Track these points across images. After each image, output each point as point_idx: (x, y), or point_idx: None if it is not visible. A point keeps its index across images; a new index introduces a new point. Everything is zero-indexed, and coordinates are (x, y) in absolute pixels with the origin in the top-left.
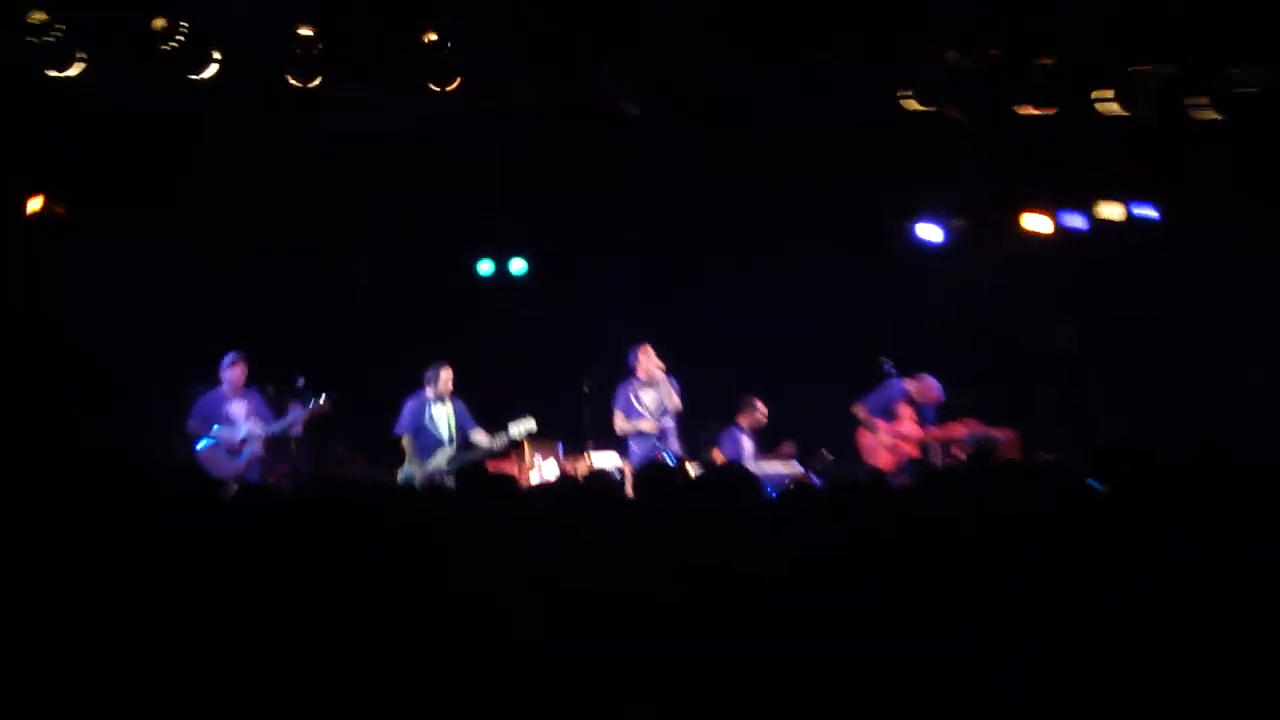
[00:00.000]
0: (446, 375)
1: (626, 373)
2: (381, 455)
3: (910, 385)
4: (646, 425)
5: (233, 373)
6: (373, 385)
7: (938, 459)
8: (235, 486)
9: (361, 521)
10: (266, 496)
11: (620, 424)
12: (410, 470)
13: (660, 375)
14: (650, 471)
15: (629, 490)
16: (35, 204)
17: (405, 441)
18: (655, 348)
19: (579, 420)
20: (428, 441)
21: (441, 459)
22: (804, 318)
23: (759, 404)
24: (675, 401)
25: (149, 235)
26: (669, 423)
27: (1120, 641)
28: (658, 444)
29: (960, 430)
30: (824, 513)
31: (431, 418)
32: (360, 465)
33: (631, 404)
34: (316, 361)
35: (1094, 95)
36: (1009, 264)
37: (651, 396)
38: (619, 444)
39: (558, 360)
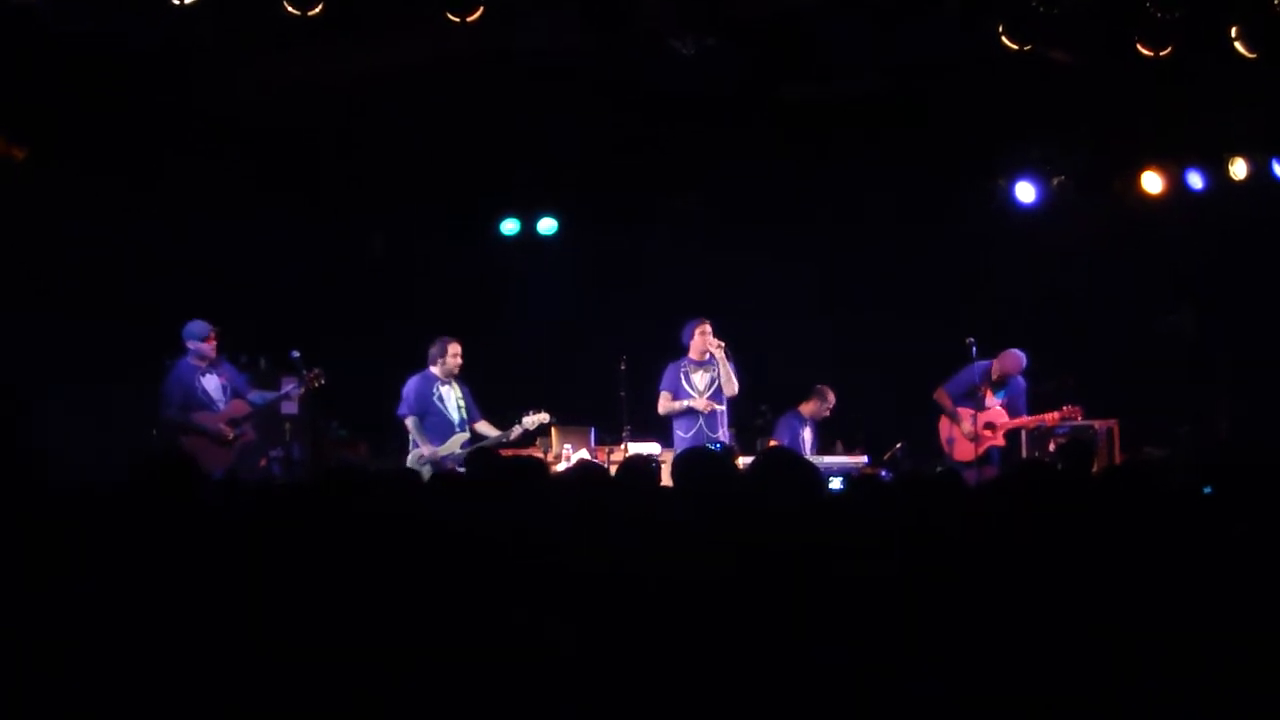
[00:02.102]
0: (455, 351)
1: (679, 351)
2: (390, 439)
3: (994, 364)
4: (697, 404)
5: (207, 345)
6: (379, 360)
7: (1025, 451)
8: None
9: (368, 515)
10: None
11: (665, 404)
12: (420, 455)
13: (720, 355)
14: (690, 456)
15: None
16: None
17: (411, 424)
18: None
19: (613, 404)
20: (438, 423)
21: (455, 444)
22: (880, 293)
23: (830, 394)
24: (734, 386)
25: (117, 187)
26: (721, 407)
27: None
28: (706, 429)
29: (1053, 418)
30: (880, 512)
31: (440, 397)
32: (364, 450)
33: (680, 384)
34: (316, 333)
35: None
36: (1117, 230)
37: (703, 378)
38: (660, 433)
39: (589, 334)
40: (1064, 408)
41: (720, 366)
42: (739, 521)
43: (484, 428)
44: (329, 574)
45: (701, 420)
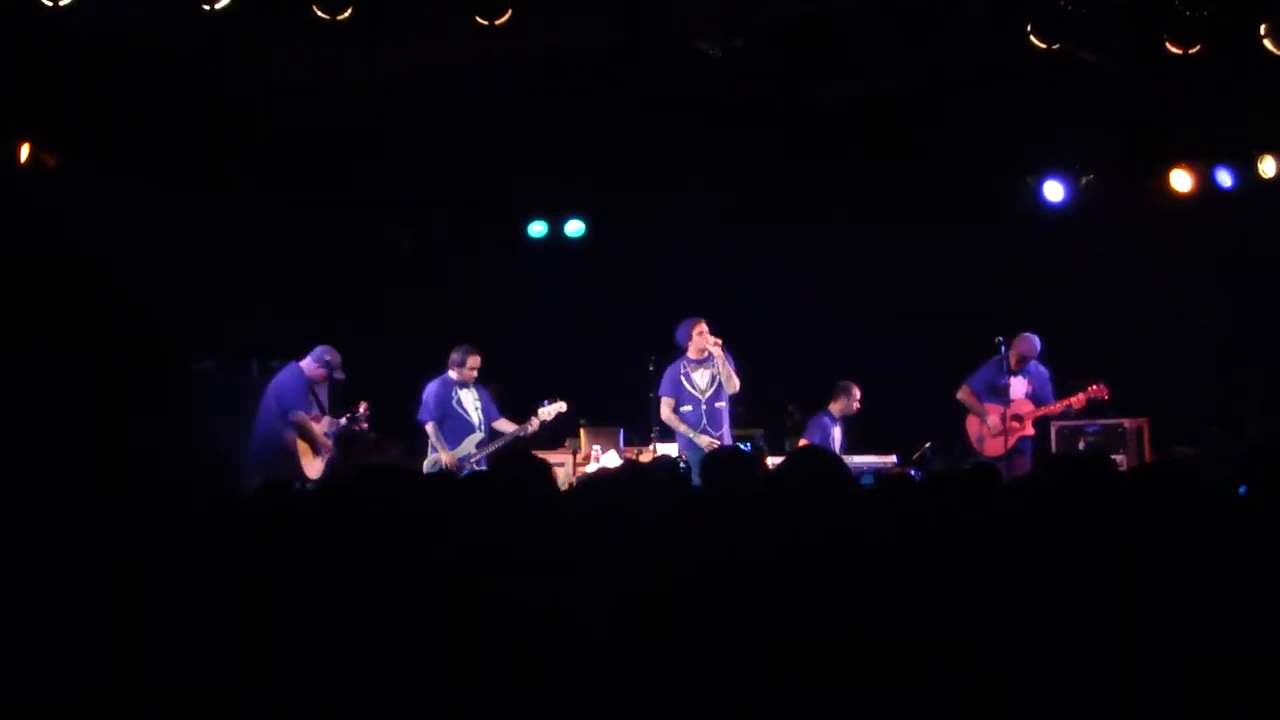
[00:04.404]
0: (474, 362)
1: (676, 352)
2: (420, 442)
3: (1010, 352)
4: (700, 441)
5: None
6: (408, 362)
7: (1055, 448)
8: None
9: (408, 514)
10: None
11: (666, 413)
12: (437, 459)
13: (718, 352)
14: (718, 456)
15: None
16: (24, 152)
17: (431, 429)
18: (736, 323)
19: (643, 404)
20: (457, 426)
21: (470, 444)
22: (907, 293)
23: (856, 389)
24: (735, 383)
25: (144, 191)
26: (721, 405)
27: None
28: (709, 429)
29: (1080, 400)
30: (904, 509)
31: (459, 401)
32: (394, 453)
33: (682, 385)
34: (344, 335)
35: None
36: (1146, 228)
37: (704, 376)
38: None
39: (618, 336)
40: (1090, 388)
41: (719, 364)
42: (767, 518)
43: (502, 425)
44: (365, 571)
45: (705, 420)
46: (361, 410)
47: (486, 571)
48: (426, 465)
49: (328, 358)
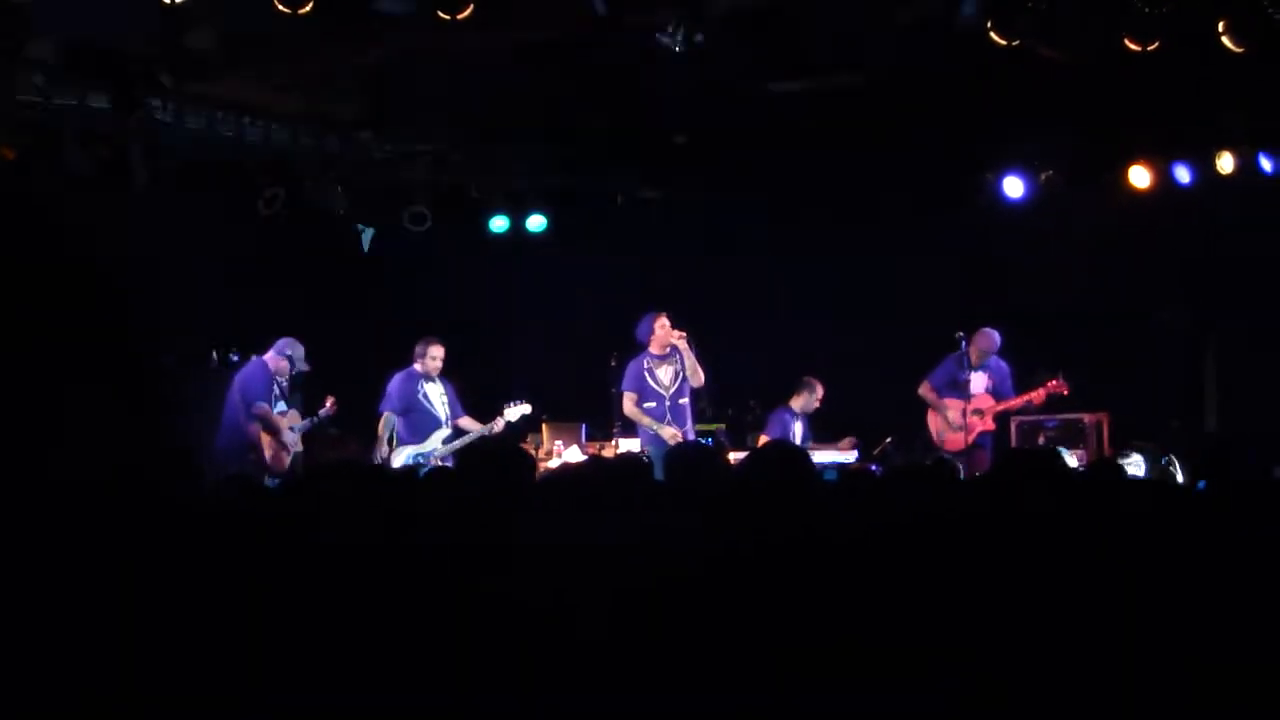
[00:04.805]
0: (437, 353)
1: (638, 348)
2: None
3: (970, 347)
4: (664, 433)
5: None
6: (368, 357)
7: (1015, 444)
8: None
9: (378, 511)
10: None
11: (630, 408)
12: (404, 452)
13: (683, 345)
14: (684, 450)
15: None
16: None
17: (384, 420)
18: (698, 319)
19: (605, 400)
20: (422, 420)
21: (436, 440)
22: (870, 288)
23: (819, 386)
24: (700, 376)
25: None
26: (684, 402)
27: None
28: (673, 424)
29: (1039, 395)
30: (865, 503)
31: (425, 394)
32: (355, 447)
33: (645, 381)
34: (304, 329)
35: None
36: (1106, 224)
37: (668, 372)
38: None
39: (579, 331)
40: (1049, 383)
41: (684, 356)
42: (735, 515)
43: (467, 423)
44: (333, 567)
45: (669, 416)
46: (328, 405)
47: (474, 569)
48: (397, 458)
49: (289, 351)
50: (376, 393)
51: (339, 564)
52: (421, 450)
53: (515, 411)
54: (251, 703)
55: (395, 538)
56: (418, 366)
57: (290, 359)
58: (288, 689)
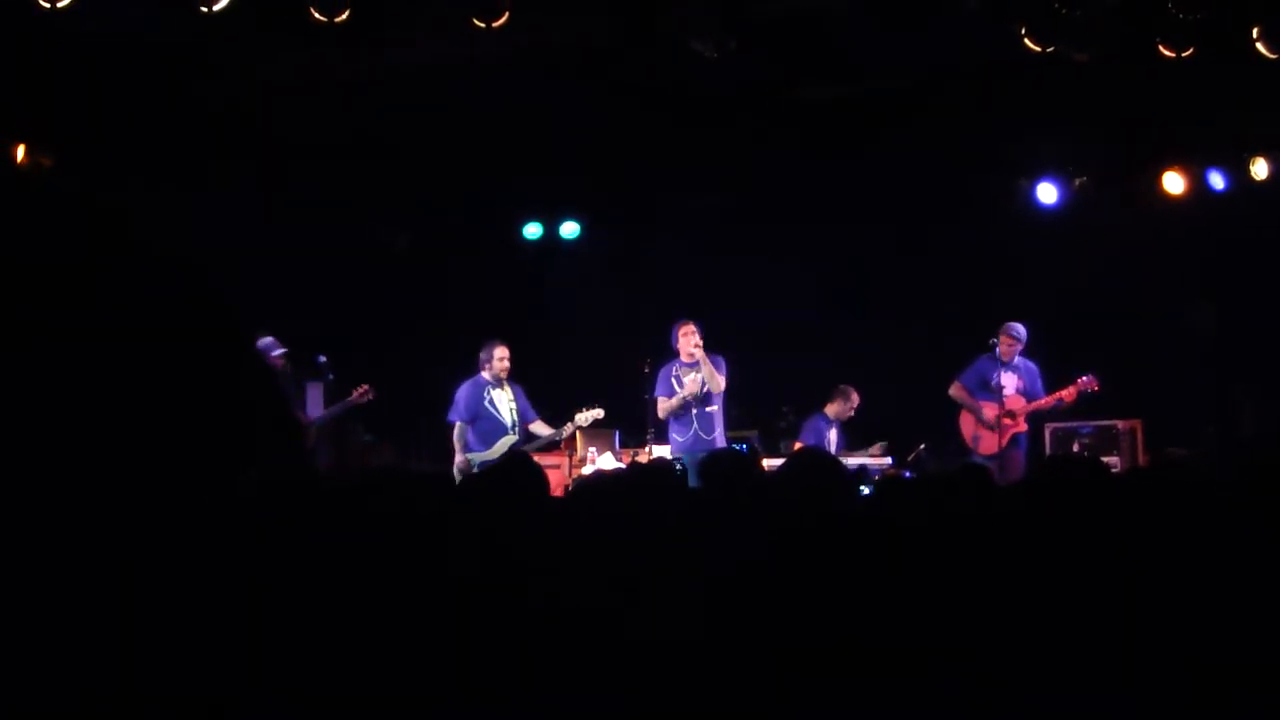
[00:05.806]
0: (502, 354)
1: (670, 355)
2: (413, 443)
3: (999, 346)
4: (685, 390)
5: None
6: (404, 363)
7: (1049, 450)
8: None
9: (418, 517)
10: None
11: (663, 406)
12: (476, 460)
13: (700, 354)
14: (718, 457)
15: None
16: (20, 153)
17: (456, 430)
18: (733, 324)
19: (638, 407)
20: (490, 427)
21: (504, 446)
22: (903, 294)
23: (854, 393)
24: (718, 382)
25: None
26: (712, 410)
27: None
28: (700, 432)
29: (1070, 393)
30: (907, 512)
31: (492, 401)
32: (390, 454)
33: (673, 387)
34: (340, 335)
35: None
36: (1138, 229)
37: (695, 379)
38: None
39: (613, 337)
40: (1079, 380)
41: (703, 365)
42: (769, 522)
43: (538, 427)
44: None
45: (696, 424)
46: (359, 392)
47: (489, 573)
48: (469, 464)
49: (273, 352)
50: (406, 398)
51: (366, 568)
52: (488, 457)
53: (587, 416)
54: (270, 703)
55: (419, 543)
56: (485, 373)
57: (272, 357)
58: (303, 689)
